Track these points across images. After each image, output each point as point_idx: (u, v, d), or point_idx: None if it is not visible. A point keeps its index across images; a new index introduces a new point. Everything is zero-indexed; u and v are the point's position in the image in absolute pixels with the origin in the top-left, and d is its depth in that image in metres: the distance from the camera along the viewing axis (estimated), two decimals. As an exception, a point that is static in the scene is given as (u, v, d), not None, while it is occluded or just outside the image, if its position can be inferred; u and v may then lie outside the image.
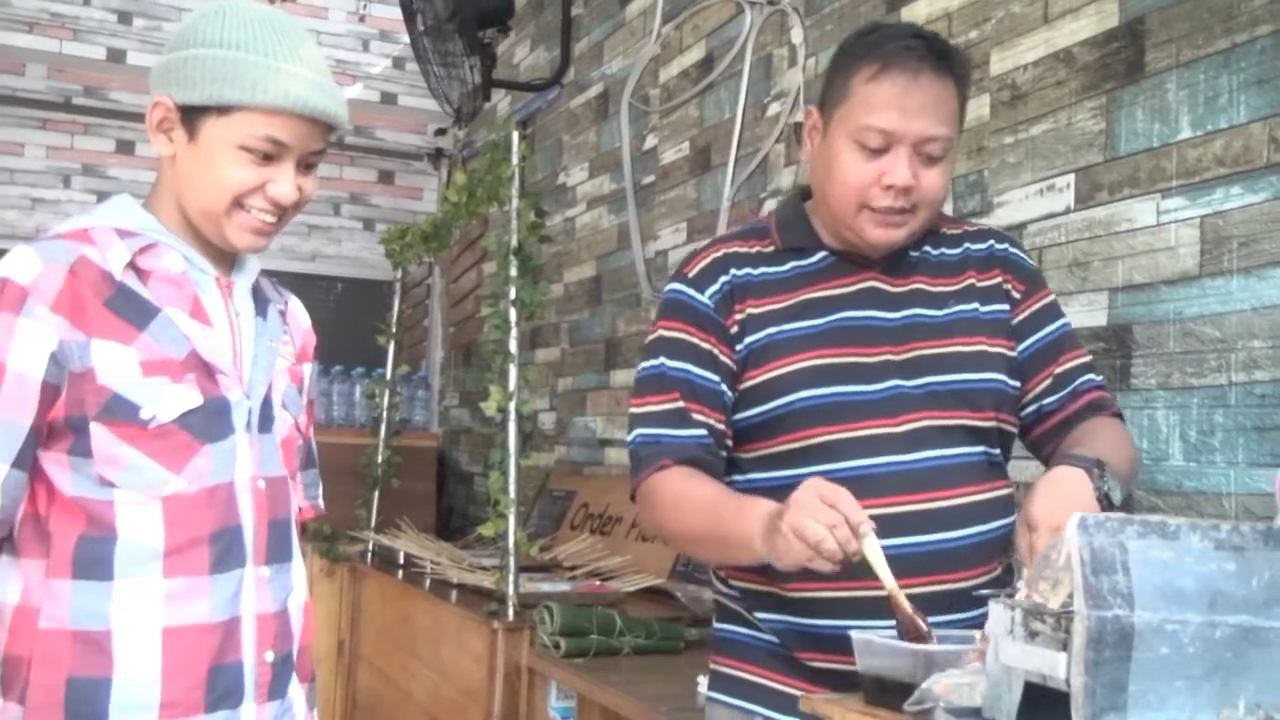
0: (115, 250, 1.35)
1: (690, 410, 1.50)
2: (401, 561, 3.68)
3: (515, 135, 2.84)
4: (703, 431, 1.50)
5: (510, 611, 2.64)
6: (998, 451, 1.52)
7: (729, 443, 1.53)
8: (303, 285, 5.35)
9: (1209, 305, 1.75)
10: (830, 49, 2.72)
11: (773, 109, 2.95)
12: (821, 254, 1.55)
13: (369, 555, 4.02)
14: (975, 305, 1.53)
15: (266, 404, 1.43)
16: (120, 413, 1.30)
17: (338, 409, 4.85)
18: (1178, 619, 0.98)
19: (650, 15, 3.58)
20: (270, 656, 1.40)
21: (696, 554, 1.85)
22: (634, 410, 1.56)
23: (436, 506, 4.80)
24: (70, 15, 5.01)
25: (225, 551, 1.36)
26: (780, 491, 1.37)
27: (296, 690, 1.46)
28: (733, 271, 1.54)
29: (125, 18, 5.09)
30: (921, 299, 1.52)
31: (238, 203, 1.37)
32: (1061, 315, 1.59)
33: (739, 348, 1.51)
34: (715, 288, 1.53)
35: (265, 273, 1.54)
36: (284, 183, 1.38)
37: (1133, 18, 1.91)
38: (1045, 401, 1.54)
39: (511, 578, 2.67)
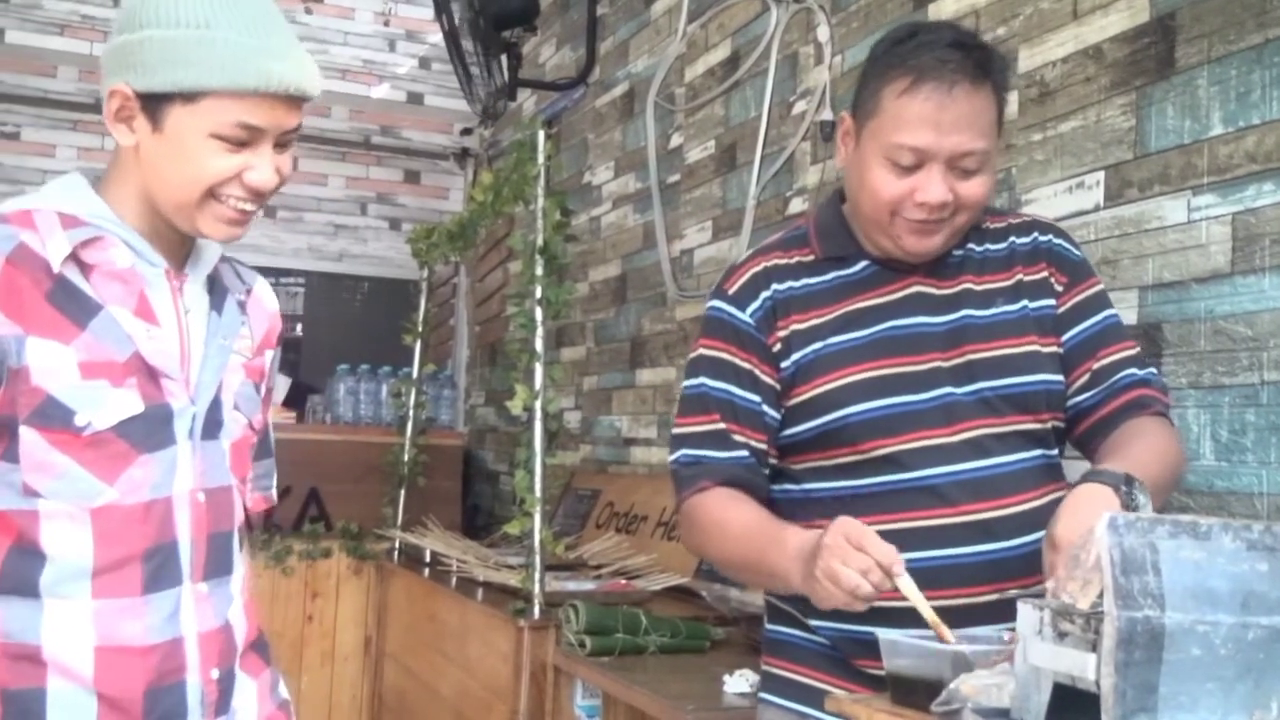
0: (56, 240, 1.22)
1: (731, 431, 1.50)
2: (428, 560, 3.70)
3: (541, 134, 2.85)
4: (744, 453, 1.50)
5: (536, 610, 2.65)
6: (1055, 453, 1.51)
7: (771, 461, 1.53)
8: (329, 285, 5.41)
9: (1241, 303, 1.74)
10: (857, 46, 2.72)
11: (798, 107, 2.94)
12: (863, 263, 1.52)
13: (395, 553, 4.04)
14: (1024, 302, 1.50)
15: (215, 407, 1.33)
16: (53, 417, 1.20)
17: (364, 408, 4.87)
18: (1209, 620, 0.97)
19: (676, 14, 3.58)
20: (216, 674, 1.32)
21: (739, 579, 1.78)
22: (676, 430, 1.56)
23: (462, 505, 4.82)
24: (101, 18, 5.06)
25: (159, 569, 1.27)
26: (842, 502, 1.38)
27: (243, 696, 1.38)
28: (774, 286, 1.52)
29: (155, 19, 5.13)
30: (970, 299, 1.49)
31: (211, 193, 1.25)
32: (1107, 306, 1.53)
33: (785, 364, 1.50)
34: (756, 304, 1.52)
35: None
36: (262, 168, 1.26)
37: (1163, 13, 1.89)
38: (1082, 398, 1.50)
39: (537, 576, 2.67)
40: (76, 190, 1.29)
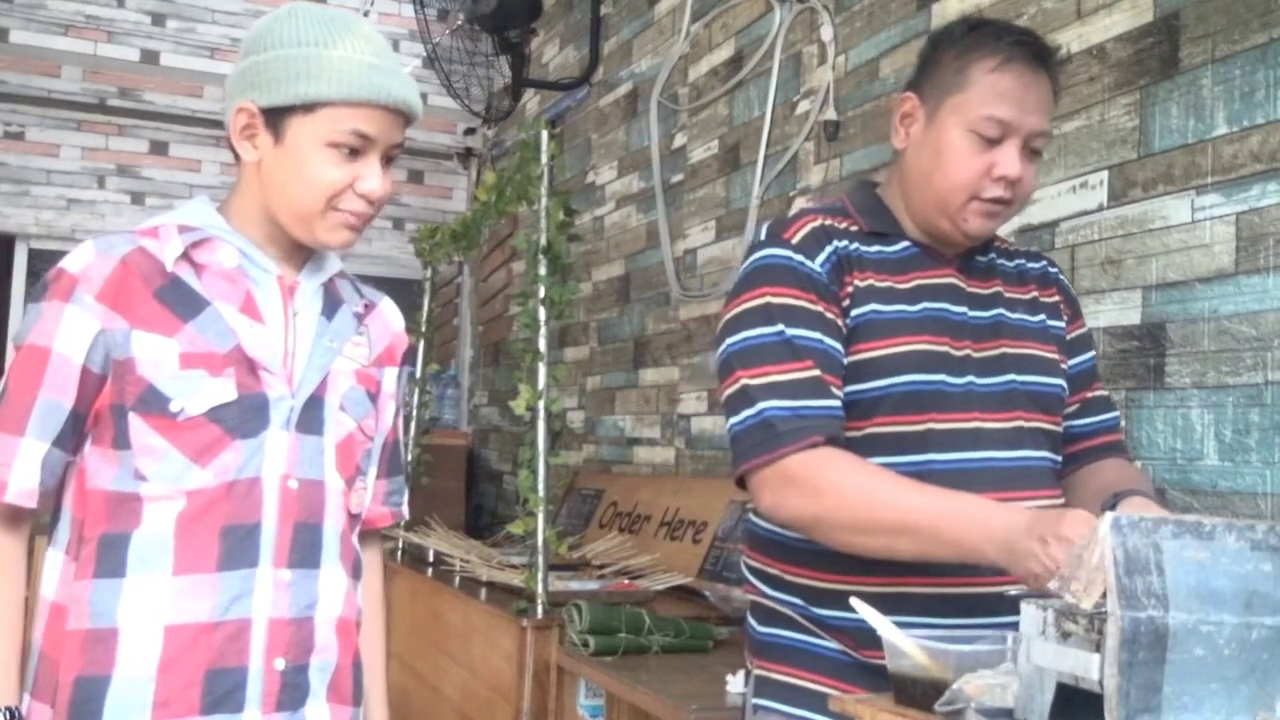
0: (172, 243, 1.36)
1: (826, 380, 1.39)
2: (431, 559, 3.70)
3: (544, 134, 2.85)
4: (837, 403, 1.40)
5: (539, 610, 2.65)
6: (1058, 458, 1.53)
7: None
8: (333, 284, 5.39)
9: (1245, 303, 1.73)
10: (860, 46, 2.72)
11: (802, 106, 2.94)
12: (905, 243, 1.51)
13: (399, 553, 4.04)
14: (1043, 317, 1.55)
15: (316, 404, 1.40)
16: (153, 404, 1.31)
17: (368, 407, 4.87)
18: (1213, 620, 0.97)
19: (679, 14, 3.58)
20: (281, 665, 1.34)
21: (867, 545, 1.38)
22: (752, 381, 1.39)
23: (466, 504, 4.82)
24: (105, 18, 5.06)
25: (235, 548, 1.33)
26: None
27: (323, 712, 1.39)
28: (835, 243, 1.47)
29: (159, 19, 5.14)
30: (1003, 302, 1.52)
31: (330, 204, 1.37)
32: (1093, 345, 1.63)
33: (849, 319, 1.44)
34: (824, 255, 1.45)
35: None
36: (372, 177, 1.37)
37: (1168, 13, 1.89)
38: (1074, 424, 1.56)
39: (540, 576, 2.67)
40: (198, 207, 1.43)
